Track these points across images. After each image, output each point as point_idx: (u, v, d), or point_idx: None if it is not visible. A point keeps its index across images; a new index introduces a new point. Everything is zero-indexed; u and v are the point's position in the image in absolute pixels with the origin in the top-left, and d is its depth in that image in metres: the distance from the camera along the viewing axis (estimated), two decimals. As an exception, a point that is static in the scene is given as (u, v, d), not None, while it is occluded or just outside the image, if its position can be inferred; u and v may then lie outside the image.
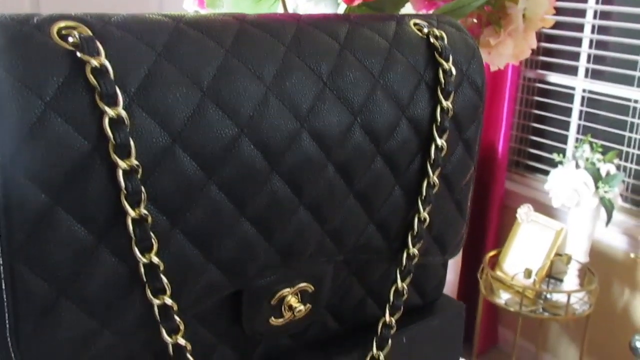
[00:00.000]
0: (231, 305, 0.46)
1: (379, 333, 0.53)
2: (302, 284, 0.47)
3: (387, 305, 0.53)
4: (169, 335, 0.40)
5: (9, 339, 0.37)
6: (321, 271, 0.48)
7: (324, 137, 0.44)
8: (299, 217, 0.45)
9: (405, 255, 0.52)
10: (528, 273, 2.23)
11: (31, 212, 0.35)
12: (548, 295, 2.31)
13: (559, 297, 2.28)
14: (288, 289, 0.47)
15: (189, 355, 0.41)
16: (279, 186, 0.43)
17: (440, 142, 0.50)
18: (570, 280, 2.31)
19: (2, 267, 0.36)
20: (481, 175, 2.74)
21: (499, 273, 2.38)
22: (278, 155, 0.43)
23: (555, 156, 2.33)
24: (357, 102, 0.46)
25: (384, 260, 0.53)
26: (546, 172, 2.30)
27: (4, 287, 0.36)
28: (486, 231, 2.76)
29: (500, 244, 2.60)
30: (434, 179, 0.51)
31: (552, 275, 2.43)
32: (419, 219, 0.51)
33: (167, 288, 0.39)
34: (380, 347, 0.53)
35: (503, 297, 2.31)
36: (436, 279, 0.59)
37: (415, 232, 0.52)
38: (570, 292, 2.20)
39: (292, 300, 0.47)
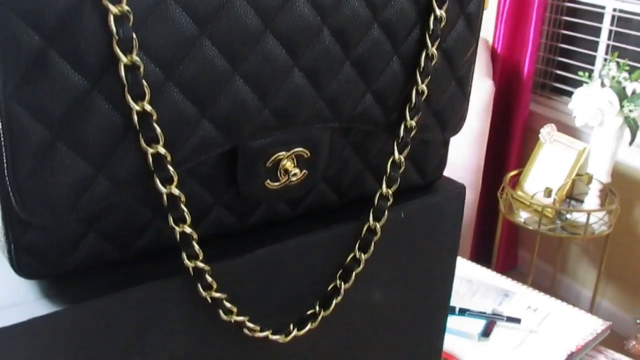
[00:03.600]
0: (227, 166, 0.47)
1: (375, 204, 0.54)
2: (298, 149, 0.48)
3: (384, 177, 0.53)
4: (163, 185, 0.42)
5: (7, 179, 0.38)
6: (317, 137, 0.49)
7: (319, -3, 0.44)
8: (294, 80, 0.45)
9: (402, 127, 0.52)
10: (548, 192, 2.23)
11: (25, 53, 0.36)
12: (568, 215, 2.32)
13: (579, 217, 2.28)
14: (283, 152, 0.48)
15: (182, 206, 0.43)
16: (272, 45, 0.43)
17: (439, 12, 0.50)
18: (591, 200, 2.31)
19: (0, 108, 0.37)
20: (505, 96, 2.71)
21: (519, 192, 2.38)
22: (271, 14, 0.43)
23: (580, 74, 2.29)
24: (354, -36, 0.46)
25: (381, 132, 0.53)
26: (572, 94, 2.26)
27: (1, 128, 0.37)
28: (508, 152, 2.75)
29: (522, 165, 2.59)
30: (433, 50, 0.51)
31: (573, 197, 2.43)
32: (417, 91, 0.52)
33: (160, 138, 0.40)
34: (376, 219, 0.54)
35: (522, 216, 2.31)
36: (437, 159, 0.60)
37: (413, 104, 0.52)
38: (590, 212, 2.20)
39: (288, 165, 0.48)
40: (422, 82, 0.52)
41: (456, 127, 0.58)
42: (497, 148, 2.72)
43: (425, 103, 0.53)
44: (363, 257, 0.54)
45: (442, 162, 0.61)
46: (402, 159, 0.53)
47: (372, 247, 0.54)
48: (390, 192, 0.54)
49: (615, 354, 0.98)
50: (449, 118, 0.56)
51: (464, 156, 2.44)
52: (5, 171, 0.38)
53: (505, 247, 2.83)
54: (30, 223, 0.40)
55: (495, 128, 2.64)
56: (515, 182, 2.47)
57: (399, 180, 0.54)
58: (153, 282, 0.44)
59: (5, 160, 0.38)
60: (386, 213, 0.54)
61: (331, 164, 0.52)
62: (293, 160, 0.49)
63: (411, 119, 0.52)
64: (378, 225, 0.54)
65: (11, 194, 0.38)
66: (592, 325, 0.99)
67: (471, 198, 2.51)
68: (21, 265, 0.42)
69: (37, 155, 0.38)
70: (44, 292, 0.42)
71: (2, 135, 0.37)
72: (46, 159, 0.38)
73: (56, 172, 0.39)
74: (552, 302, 1.05)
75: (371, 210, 0.54)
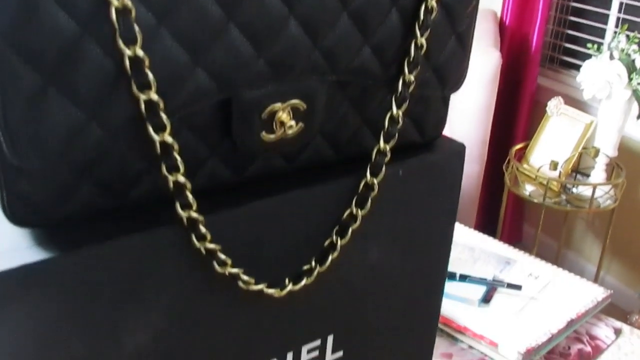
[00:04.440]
0: (222, 118, 0.46)
1: (373, 160, 0.53)
2: (294, 100, 0.48)
3: (382, 133, 0.53)
4: (156, 132, 0.41)
5: (2, 138, 0.38)
6: (313, 90, 0.49)
7: (315, -56, 0.44)
8: (290, 30, 0.45)
9: (401, 82, 0.52)
10: (554, 165, 2.22)
11: (14, -5, 0.35)
12: (573, 189, 2.31)
13: (584, 190, 2.27)
14: (279, 104, 0.47)
15: (176, 155, 0.42)
16: (268, -7, 0.43)
17: (439, -36, 0.49)
18: (597, 174, 2.30)
19: (-11, 52, 0.36)
20: (513, 69, 2.69)
21: (524, 166, 2.37)
22: (267, -39, 0.42)
23: (589, 46, 2.27)
24: None
25: (380, 87, 0.53)
26: (580, 68, 2.25)
27: (-9, 72, 0.37)
28: (514, 125, 2.74)
29: (528, 138, 2.58)
30: (432, 3, 0.50)
31: (579, 170, 2.42)
32: (416, 44, 0.51)
33: (152, 84, 0.40)
34: (374, 174, 0.53)
35: (528, 190, 2.31)
36: (436, 117, 0.59)
37: (411, 58, 0.51)
38: (596, 185, 2.20)
39: (284, 117, 0.48)
40: (421, 36, 0.51)
41: (456, 84, 0.57)
42: (504, 121, 2.70)
43: (424, 58, 0.53)
44: (360, 213, 0.54)
45: (442, 120, 0.60)
46: (401, 114, 0.53)
47: (369, 203, 0.54)
48: (387, 147, 0.53)
49: (615, 322, 0.98)
50: (449, 74, 0.56)
51: (470, 128, 2.43)
52: (-4, 116, 0.37)
53: (510, 221, 2.83)
54: (23, 170, 0.40)
55: (501, 101, 2.63)
56: (521, 156, 2.46)
57: (397, 136, 0.53)
58: (146, 231, 0.44)
59: (-4, 106, 0.37)
60: (384, 169, 0.53)
61: (328, 118, 0.52)
62: (289, 112, 0.48)
63: (410, 73, 0.52)
64: (375, 181, 0.53)
65: (2, 139, 0.38)
66: (593, 294, 0.99)
67: (476, 171, 2.51)
68: (14, 213, 0.41)
69: (28, 100, 0.37)
70: (37, 240, 0.42)
71: (-8, 79, 0.37)
72: (37, 104, 0.38)
73: (48, 118, 0.38)
74: (553, 270, 1.05)
75: (368, 166, 0.53)
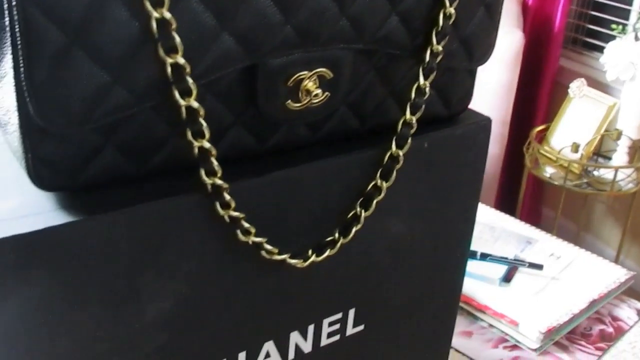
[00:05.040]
0: (248, 84, 0.46)
1: (398, 131, 0.53)
2: (320, 69, 0.47)
3: (408, 104, 0.52)
4: (182, 97, 0.41)
5: (24, 85, 0.37)
6: (340, 58, 0.48)
7: None
8: (318, -4, 0.44)
9: (428, 52, 0.51)
10: (575, 147, 2.20)
11: (40, -47, 0.35)
12: (595, 172, 2.29)
13: (605, 174, 2.25)
14: (305, 72, 0.46)
15: (201, 120, 0.42)
16: (296, -43, 0.42)
17: None
18: (619, 157, 2.27)
19: (15, 11, 0.36)
20: (535, 50, 2.66)
21: (545, 148, 2.35)
22: None
23: (613, 27, 2.24)
24: None
25: (407, 57, 0.52)
26: (603, 50, 2.21)
27: (17, 31, 0.36)
28: (536, 106, 2.71)
29: (549, 120, 2.55)
30: (462, -29, 0.49)
31: (600, 153, 2.40)
32: (445, 14, 0.50)
33: (179, 47, 0.39)
34: (399, 146, 0.53)
35: (548, 172, 2.29)
36: (463, 89, 0.58)
37: (439, 28, 0.50)
38: (618, 168, 2.17)
39: (310, 85, 0.47)
40: (450, 5, 0.50)
41: (483, 57, 0.56)
42: (525, 102, 2.68)
43: (452, 28, 0.52)
44: (384, 185, 0.53)
45: (468, 93, 0.59)
46: (427, 85, 0.52)
47: (393, 175, 0.53)
48: (414, 119, 0.52)
49: (638, 304, 0.97)
50: (477, 46, 0.55)
51: (490, 108, 2.41)
52: (22, 76, 0.37)
53: (529, 203, 2.81)
54: (47, 132, 0.40)
55: (523, 81, 2.60)
56: (542, 137, 2.43)
57: (423, 107, 0.53)
58: (170, 198, 0.44)
59: (21, 65, 0.37)
60: (409, 141, 0.53)
61: (354, 87, 0.51)
62: (315, 81, 0.47)
63: (437, 43, 0.51)
64: (401, 153, 0.53)
65: (28, 99, 0.38)
66: (616, 274, 0.98)
67: (496, 152, 2.49)
68: (38, 176, 0.41)
69: (53, 60, 0.37)
70: (61, 204, 0.42)
71: (18, 39, 0.36)
72: (62, 64, 0.37)
73: (73, 79, 0.38)
74: (575, 251, 1.04)
75: (394, 138, 0.53)
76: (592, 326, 0.90)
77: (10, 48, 0.37)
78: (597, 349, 0.86)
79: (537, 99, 2.70)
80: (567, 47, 2.76)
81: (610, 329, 0.90)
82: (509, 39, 2.40)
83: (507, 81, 2.43)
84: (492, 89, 2.41)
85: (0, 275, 0.39)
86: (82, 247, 0.41)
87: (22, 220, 0.40)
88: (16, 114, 0.40)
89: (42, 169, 0.41)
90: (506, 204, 2.82)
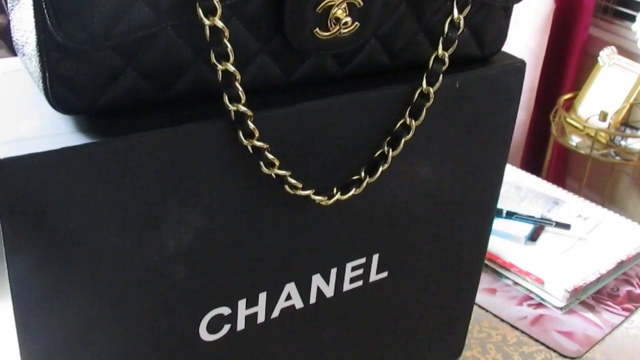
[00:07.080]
0: (275, 10, 0.44)
1: (430, 67, 0.50)
2: (350, -4, 0.45)
3: (441, 39, 0.50)
4: (206, 15, 0.39)
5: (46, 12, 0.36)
6: (371, -15, 0.46)
7: None
8: None
9: (464, -17, 0.49)
10: (603, 116, 2.16)
11: None
12: (622, 142, 2.24)
13: (633, 143, 2.20)
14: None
15: (226, 42, 0.40)
16: None
17: None
18: (648, 127, 2.23)
19: None
20: (565, 17, 2.60)
21: (573, 116, 2.31)
22: None
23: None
24: None
25: (440, -11, 0.50)
26: (634, 19, 2.15)
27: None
28: (564, 74, 2.65)
29: (576, 89, 2.50)
30: None
31: (629, 124, 2.35)
32: (482, -57, 0.48)
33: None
34: (430, 83, 0.51)
35: (574, 141, 2.25)
36: (497, 29, 0.56)
37: (476, -42, 0.48)
38: (646, 138, 2.13)
39: (339, 13, 0.45)
40: None
41: (520, -8, 0.54)
42: (553, 69, 2.62)
43: (489, -41, 0.49)
44: (413, 123, 0.51)
45: (503, 33, 0.57)
46: (461, 19, 0.50)
47: (423, 114, 0.51)
48: (446, 55, 0.50)
49: (666, 267, 0.94)
50: (514, -20, 0.52)
51: (517, 76, 2.36)
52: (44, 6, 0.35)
53: (554, 173, 2.77)
54: (66, 49, 0.38)
55: (551, 49, 2.54)
56: (569, 106, 2.39)
57: (456, 43, 0.50)
58: (191, 124, 0.42)
59: None
60: (440, 78, 0.51)
61: (385, 19, 0.49)
62: (345, 8, 0.45)
63: (473, -26, 0.48)
64: (431, 90, 0.50)
65: (47, 14, 0.36)
66: (644, 237, 0.96)
67: (522, 119, 2.45)
68: (55, 97, 0.40)
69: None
70: (79, 127, 0.41)
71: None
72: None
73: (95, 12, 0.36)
74: (604, 212, 1.01)
75: (425, 74, 0.50)
76: (619, 287, 0.88)
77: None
78: (625, 309, 0.84)
79: (565, 67, 2.65)
80: (597, 16, 2.70)
81: (638, 291, 0.87)
82: (540, 5, 2.34)
83: (535, 47, 2.39)
84: (521, 54, 2.36)
85: (18, 195, 0.37)
86: (99, 170, 0.39)
87: (39, 140, 0.39)
88: (34, 32, 0.38)
89: (60, 90, 0.39)
90: (530, 172, 2.78)
